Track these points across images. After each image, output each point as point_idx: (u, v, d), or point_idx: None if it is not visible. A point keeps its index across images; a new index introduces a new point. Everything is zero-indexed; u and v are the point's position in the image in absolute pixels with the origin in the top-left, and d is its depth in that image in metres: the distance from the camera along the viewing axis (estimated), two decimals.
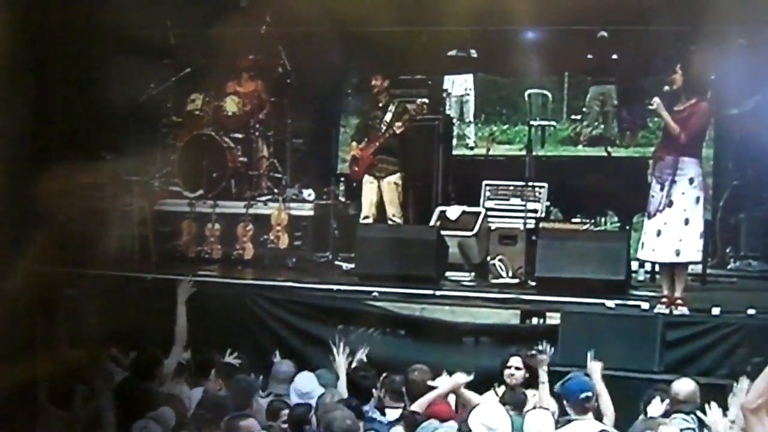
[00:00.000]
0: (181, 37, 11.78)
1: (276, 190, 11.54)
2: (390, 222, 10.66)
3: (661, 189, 8.25)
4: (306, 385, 7.17)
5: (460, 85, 14.79)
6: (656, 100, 8.20)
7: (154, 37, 11.43)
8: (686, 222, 8.23)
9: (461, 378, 6.85)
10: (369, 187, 10.80)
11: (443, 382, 6.90)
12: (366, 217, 10.80)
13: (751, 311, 8.33)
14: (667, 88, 8.35)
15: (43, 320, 7.67)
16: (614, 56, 11.75)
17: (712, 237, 10.46)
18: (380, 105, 10.85)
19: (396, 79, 11.21)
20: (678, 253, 8.25)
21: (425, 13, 11.15)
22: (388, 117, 10.68)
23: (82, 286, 9.23)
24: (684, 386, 6.65)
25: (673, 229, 8.24)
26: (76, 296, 9.05)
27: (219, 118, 11.63)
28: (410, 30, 11.56)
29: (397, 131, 10.57)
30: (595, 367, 6.89)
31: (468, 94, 14.94)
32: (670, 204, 8.22)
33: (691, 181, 8.21)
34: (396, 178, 10.74)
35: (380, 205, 10.74)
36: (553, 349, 7.62)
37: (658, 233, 8.28)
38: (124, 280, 9.76)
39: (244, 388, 6.94)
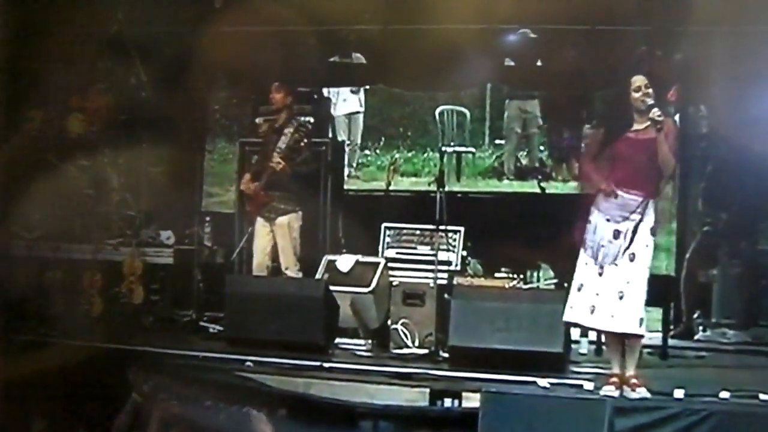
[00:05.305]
0: (14, 42, 10.70)
1: (128, 232, 10.66)
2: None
3: (615, 237, 7.38)
4: None
5: (345, 100, 13.87)
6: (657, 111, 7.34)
7: None
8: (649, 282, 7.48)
9: None
10: (261, 232, 9.71)
11: None
12: (260, 270, 9.78)
13: (724, 394, 7.43)
14: None
15: None
16: (539, 62, 10.84)
17: (676, 299, 9.74)
18: (276, 126, 9.80)
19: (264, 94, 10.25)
20: (641, 323, 7.40)
21: (309, 9, 10.24)
22: (283, 142, 9.65)
23: None
24: None
25: (637, 291, 7.34)
26: None
27: (61, 140, 10.74)
28: (293, 30, 10.62)
29: (294, 158, 9.54)
30: None
31: (358, 113, 14.13)
32: (632, 258, 7.35)
33: (653, 231, 7.44)
34: (291, 218, 9.67)
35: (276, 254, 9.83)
36: None
37: (621, 296, 7.35)
38: None
39: None
